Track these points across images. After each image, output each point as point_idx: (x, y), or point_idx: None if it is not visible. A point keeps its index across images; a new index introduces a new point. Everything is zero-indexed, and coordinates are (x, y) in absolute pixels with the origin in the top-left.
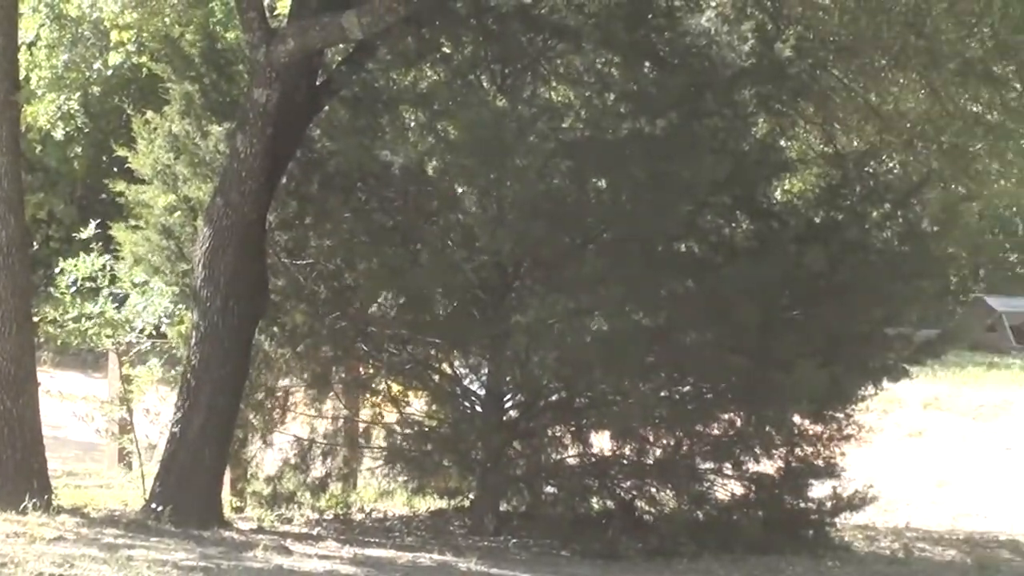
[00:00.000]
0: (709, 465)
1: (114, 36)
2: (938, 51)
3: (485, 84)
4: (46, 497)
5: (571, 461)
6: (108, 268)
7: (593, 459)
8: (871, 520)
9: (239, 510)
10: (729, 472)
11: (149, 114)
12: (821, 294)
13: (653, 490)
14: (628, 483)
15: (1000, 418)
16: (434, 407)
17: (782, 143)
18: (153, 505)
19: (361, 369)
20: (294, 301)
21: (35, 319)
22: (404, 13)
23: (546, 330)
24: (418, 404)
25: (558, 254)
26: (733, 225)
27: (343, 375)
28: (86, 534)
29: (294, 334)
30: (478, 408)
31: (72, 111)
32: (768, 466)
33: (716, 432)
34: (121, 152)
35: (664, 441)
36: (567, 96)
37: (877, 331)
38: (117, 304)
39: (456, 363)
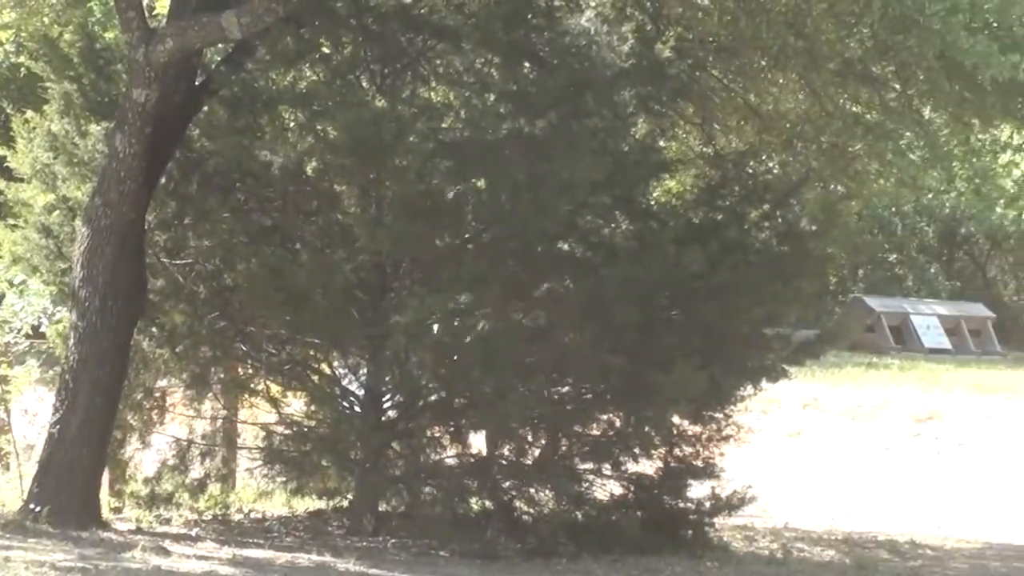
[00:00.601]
0: (588, 465)
1: None
2: (818, 51)
3: (364, 84)
4: None
5: (450, 461)
6: None
7: (472, 459)
8: (750, 520)
9: (117, 511)
10: (608, 473)
11: (29, 113)
12: (700, 294)
13: (532, 490)
14: (507, 483)
15: (878, 418)
16: (313, 408)
17: (662, 143)
18: (31, 506)
19: (240, 369)
20: (173, 301)
21: None
22: (283, 13)
23: (425, 330)
24: (297, 404)
25: (437, 254)
26: (612, 225)
27: (222, 375)
28: None
29: (173, 334)
30: (357, 408)
31: None
32: (647, 466)
33: (595, 432)
34: (0, 151)
35: (543, 441)
36: (447, 96)
37: (756, 331)
38: None
39: (335, 363)
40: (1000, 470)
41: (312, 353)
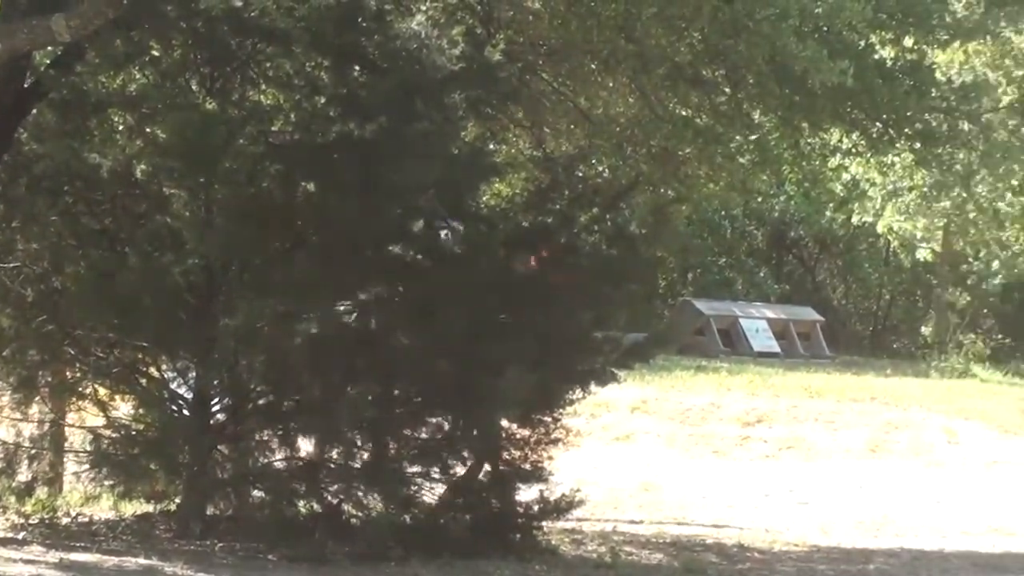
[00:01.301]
0: (417, 469)
1: None
2: (648, 55)
3: (194, 87)
4: None
5: (278, 465)
6: None
7: (300, 463)
8: (578, 524)
9: None
10: (437, 476)
11: None
12: (530, 298)
13: (360, 494)
14: (335, 487)
15: (708, 422)
16: (141, 411)
17: (492, 147)
18: None
19: (68, 373)
20: (0, 305)
21: None
22: (113, 16)
23: (254, 334)
24: (125, 408)
25: (267, 257)
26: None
27: (50, 379)
28: None
29: (0, 338)
30: (185, 412)
31: None
32: (476, 470)
33: (424, 436)
34: None
35: (372, 445)
36: (277, 99)
37: (586, 335)
38: None
39: (164, 367)
40: (828, 472)
41: (141, 356)
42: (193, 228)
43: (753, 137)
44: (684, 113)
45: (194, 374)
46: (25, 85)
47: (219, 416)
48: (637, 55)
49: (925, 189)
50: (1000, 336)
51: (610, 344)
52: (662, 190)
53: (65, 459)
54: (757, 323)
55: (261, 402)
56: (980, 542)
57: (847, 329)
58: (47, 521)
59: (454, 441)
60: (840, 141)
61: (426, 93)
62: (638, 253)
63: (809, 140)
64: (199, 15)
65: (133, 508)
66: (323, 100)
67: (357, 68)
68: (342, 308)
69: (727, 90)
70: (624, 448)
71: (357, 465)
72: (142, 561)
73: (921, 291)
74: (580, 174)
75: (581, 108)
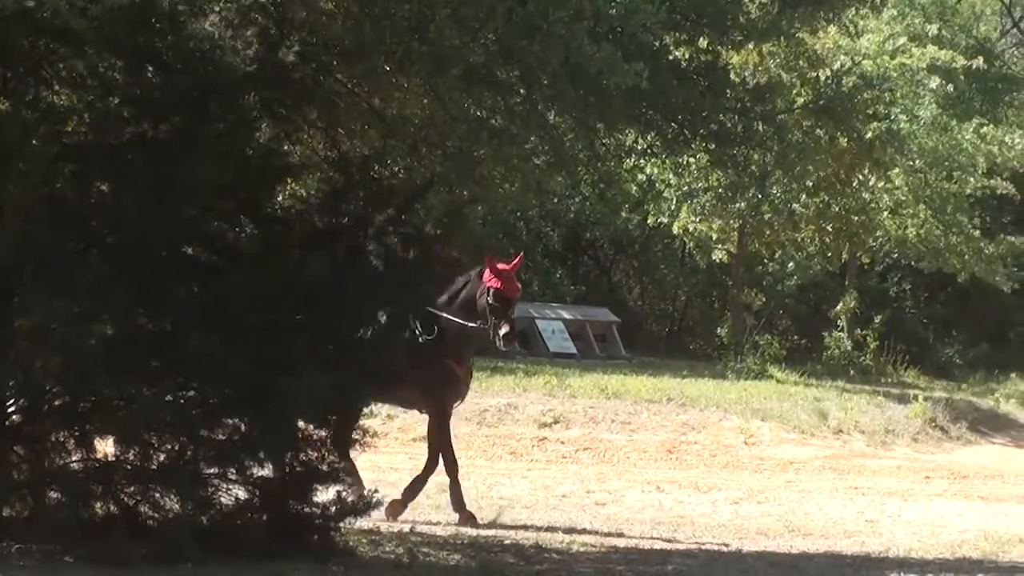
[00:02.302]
0: (214, 470)
1: None
2: (442, 56)
3: None
4: None
5: (75, 466)
6: None
7: (97, 464)
8: (376, 524)
9: None
10: (234, 477)
11: None
12: (326, 300)
13: (157, 495)
14: (132, 488)
15: (504, 423)
16: None
17: (286, 148)
18: None
19: None
20: None
21: None
22: None
23: (49, 334)
24: None
25: (61, 258)
26: (237, 230)
27: None
28: None
29: None
30: None
31: None
32: (273, 471)
33: (221, 437)
34: None
35: (169, 446)
36: (71, 100)
37: (382, 336)
38: None
39: None
40: (625, 473)
41: None
42: None
43: (548, 138)
44: (479, 114)
45: None
46: None
47: (14, 417)
48: (431, 56)
49: (720, 190)
50: (796, 337)
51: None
52: (457, 191)
53: None
54: (553, 324)
55: (57, 403)
56: (777, 543)
57: (643, 330)
58: None
59: (251, 442)
60: (635, 142)
61: (220, 94)
62: (433, 254)
63: (604, 141)
64: None
65: None
66: (116, 101)
67: (151, 69)
68: (139, 309)
69: (522, 91)
70: (421, 449)
71: (154, 466)
72: None
73: (717, 292)
74: (375, 175)
75: (376, 109)
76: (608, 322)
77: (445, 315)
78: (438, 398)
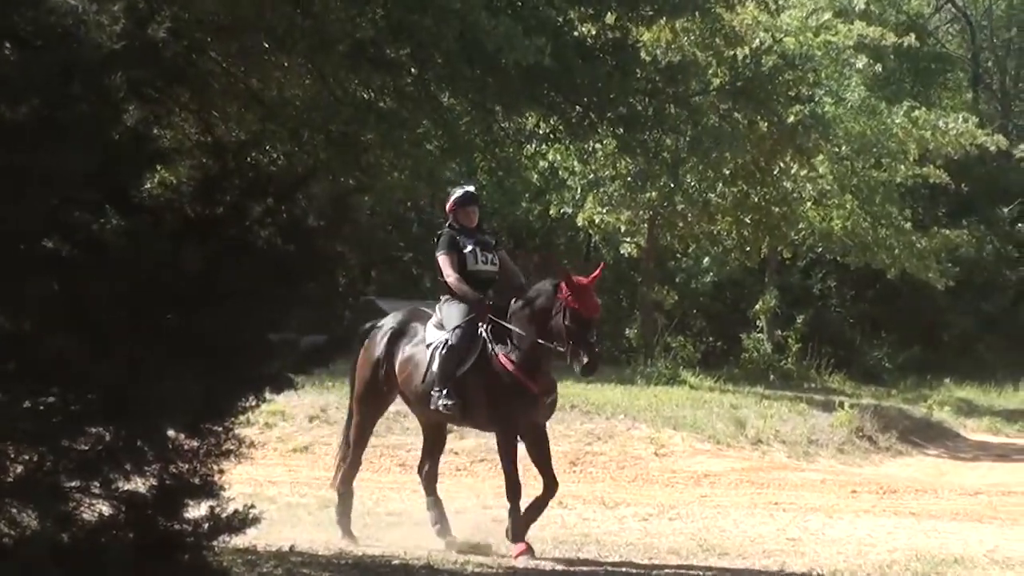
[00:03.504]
0: (76, 483)
1: None
2: (326, 33)
3: None
4: None
5: None
6: None
7: None
8: (253, 542)
9: None
10: (98, 491)
11: None
12: (199, 297)
13: (14, 511)
14: None
15: (394, 432)
16: None
17: (156, 132)
18: None
19: None
20: None
21: None
22: None
23: None
24: None
25: None
26: (102, 221)
27: None
28: None
29: None
30: None
31: None
32: (140, 484)
33: (84, 447)
34: None
35: (26, 457)
36: None
37: (260, 337)
38: None
39: None
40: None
41: None
42: None
43: (441, 122)
44: (366, 96)
45: None
46: None
47: None
48: (315, 32)
49: (629, 179)
50: (711, 339)
51: (286, 347)
52: (342, 179)
53: None
54: None
55: None
56: (690, 563)
57: None
58: None
59: (116, 453)
60: (537, 126)
61: (84, 73)
62: (316, 248)
63: (503, 125)
64: None
65: None
66: None
67: (8, 46)
68: None
69: (413, 70)
70: (303, 461)
71: (9, 479)
72: None
73: (625, 290)
74: (252, 162)
75: (254, 90)
76: None
77: (516, 328)
78: (504, 417)
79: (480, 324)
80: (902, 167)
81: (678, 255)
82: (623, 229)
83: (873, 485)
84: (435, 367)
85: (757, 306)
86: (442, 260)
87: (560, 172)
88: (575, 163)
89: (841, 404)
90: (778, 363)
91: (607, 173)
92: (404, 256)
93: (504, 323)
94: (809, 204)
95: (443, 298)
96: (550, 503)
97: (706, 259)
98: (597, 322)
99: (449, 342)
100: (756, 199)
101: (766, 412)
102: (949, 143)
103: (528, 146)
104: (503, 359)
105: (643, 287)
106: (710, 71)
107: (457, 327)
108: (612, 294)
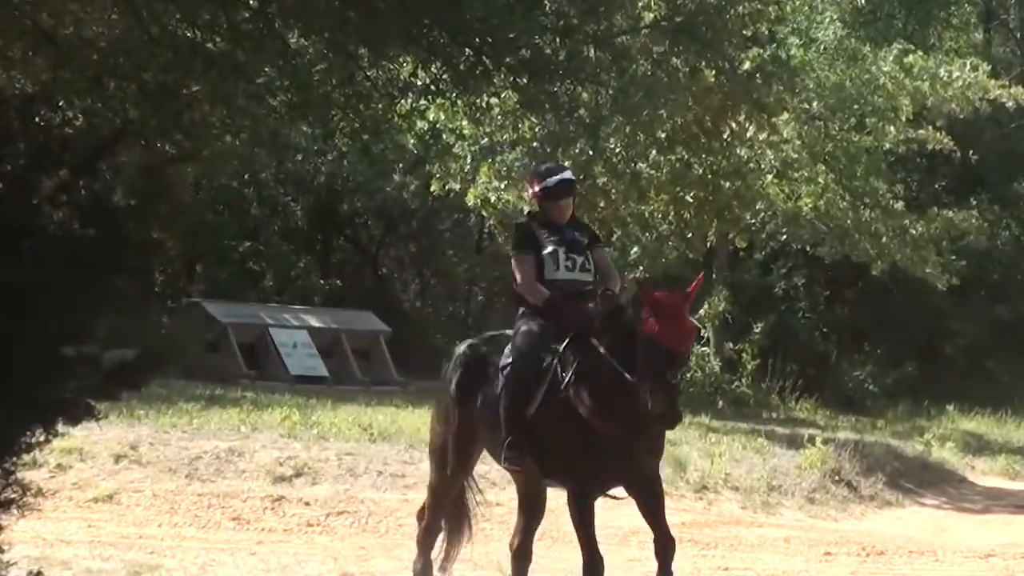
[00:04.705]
0: None
1: None
2: None
3: None
4: None
5: None
6: None
7: None
8: None
9: None
10: None
11: None
12: None
13: None
14: None
15: (226, 476)
16: None
17: None
18: None
19: None
20: None
21: None
22: None
23: None
24: None
25: None
26: None
27: None
28: None
29: None
30: None
31: None
32: None
33: None
34: None
35: None
36: None
37: (50, 351)
38: None
39: None
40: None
41: None
42: None
43: (289, 69)
44: (190, 35)
45: None
46: None
47: None
48: None
49: (535, 144)
50: None
51: (85, 364)
52: (159, 145)
53: None
54: (295, 335)
55: None
56: None
57: (425, 343)
58: None
59: None
60: (414, 75)
61: None
62: (124, 234)
63: (369, 74)
64: None
65: None
66: None
67: None
68: None
69: (252, 3)
70: (107, 513)
71: None
72: None
73: None
74: (41, 121)
75: (43, 27)
76: (374, 332)
77: (603, 350)
78: (572, 468)
79: (552, 342)
80: (892, 129)
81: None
82: (526, 209)
83: (853, 545)
84: (501, 407)
85: (702, 311)
86: (515, 262)
87: (445, 136)
88: (464, 124)
89: (811, 439)
90: (729, 385)
91: (506, 137)
92: (240, 246)
93: (589, 344)
94: (770, 178)
95: (520, 311)
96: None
97: (635, 249)
98: (686, 359)
99: (506, 372)
100: (700, 171)
101: (713, 450)
102: (953, 98)
103: (402, 101)
104: (573, 394)
105: None
106: (641, 3)
107: (518, 349)
108: (512, 295)
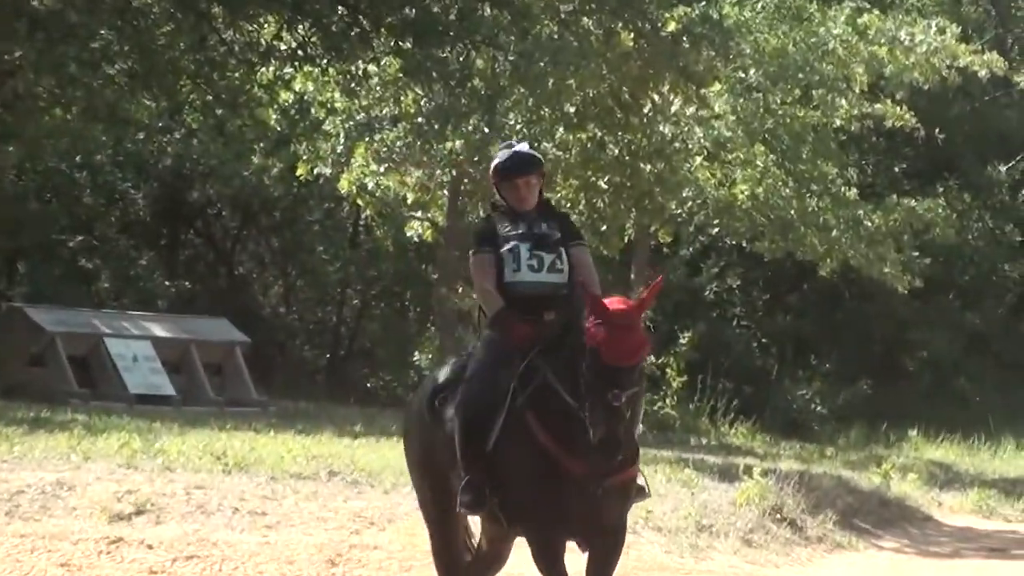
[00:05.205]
0: None
1: None
2: None
3: None
4: None
5: None
6: None
7: None
8: None
9: None
10: None
11: None
12: None
13: None
14: None
15: (52, 514)
16: None
17: None
18: None
19: None
20: None
21: None
22: None
23: None
24: None
25: None
26: None
27: None
28: None
29: None
30: None
31: None
32: None
33: None
34: None
35: None
36: None
37: None
38: None
39: None
40: None
41: None
42: None
43: (132, 32)
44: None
45: None
46: None
47: None
48: None
49: (420, 119)
50: None
51: None
52: None
53: None
54: (136, 346)
55: None
56: None
57: (288, 356)
58: None
59: None
60: (277, 39)
61: None
62: None
63: (225, 37)
64: None
65: None
66: None
67: None
68: None
69: None
70: None
71: None
72: None
73: (413, 292)
74: None
75: None
76: (230, 343)
77: (551, 374)
78: (530, 512)
79: (514, 359)
80: (843, 103)
81: None
82: (410, 199)
83: None
84: (456, 437)
85: None
86: (472, 263)
87: (314, 110)
88: (336, 96)
89: (748, 471)
90: (651, 406)
91: (386, 111)
92: (71, 241)
93: (553, 360)
94: (699, 160)
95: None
96: None
97: None
98: (634, 375)
99: (460, 398)
100: (616, 151)
101: None
102: (916, 65)
103: (264, 69)
104: (533, 421)
105: (441, 288)
106: None
107: (476, 362)
108: (393, 299)
